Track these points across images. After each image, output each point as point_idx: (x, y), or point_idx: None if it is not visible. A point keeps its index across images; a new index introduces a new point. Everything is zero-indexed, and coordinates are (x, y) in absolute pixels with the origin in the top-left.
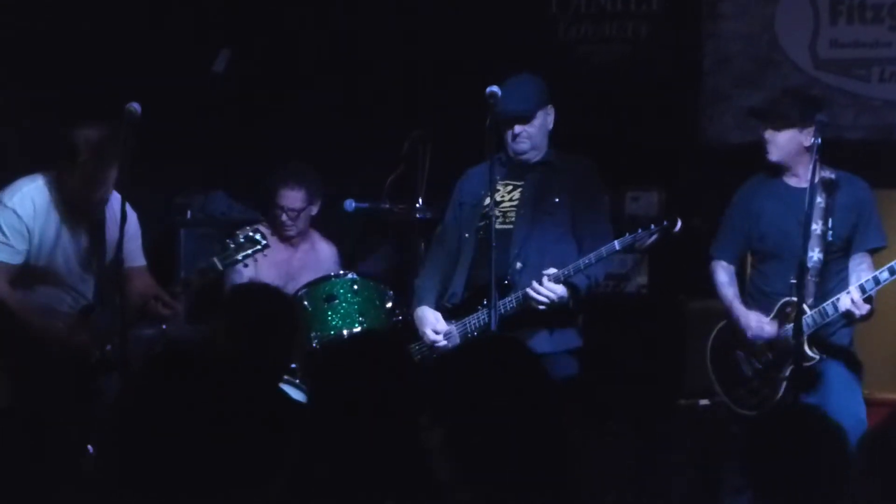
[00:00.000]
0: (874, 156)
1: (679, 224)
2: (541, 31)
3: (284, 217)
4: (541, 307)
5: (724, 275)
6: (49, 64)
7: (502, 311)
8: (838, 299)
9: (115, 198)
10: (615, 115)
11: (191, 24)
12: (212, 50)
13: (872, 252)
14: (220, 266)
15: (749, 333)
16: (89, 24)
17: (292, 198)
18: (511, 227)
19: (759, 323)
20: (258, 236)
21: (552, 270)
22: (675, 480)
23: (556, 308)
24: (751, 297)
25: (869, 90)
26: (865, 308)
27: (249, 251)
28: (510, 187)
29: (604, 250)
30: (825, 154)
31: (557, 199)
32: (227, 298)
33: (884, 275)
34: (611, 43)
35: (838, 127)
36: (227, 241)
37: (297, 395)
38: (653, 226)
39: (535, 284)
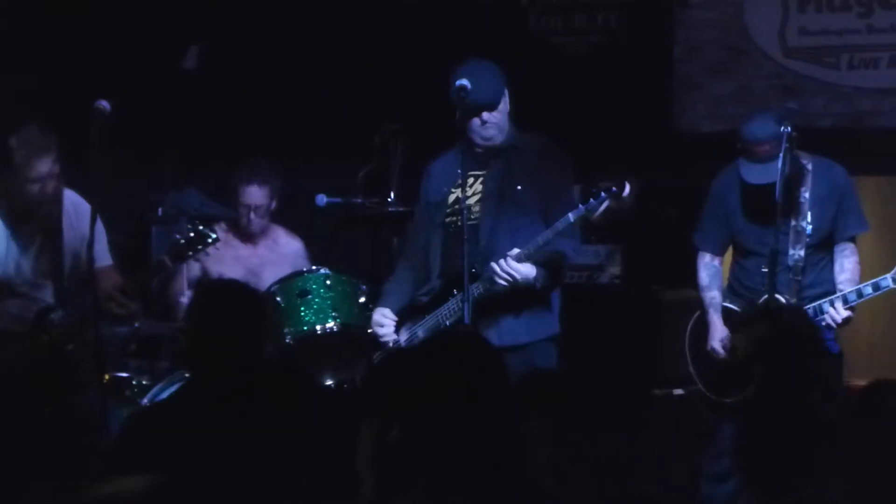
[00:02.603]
0: (845, 143)
1: (627, 188)
2: (511, 22)
3: (251, 215)
4: (504, 283)
5: (705, 275)
6: (19, 58)
7: (474, 295)
8: (821, 307)
9: (73, 200)
10: (587, 106)
11: (161, 20)
12: (182, 46)
13: (855, 238)
14: (169, 263)
15: (709, 346)
16: (61, 18)
17: (257, 195)
18: (476, 222)
19: (720, 343)
20: (207, 230)
21: (514, 251)
22: (652, 470)
23: (522, 287)
24: (731, 290)
25: (839, 77)
26: (843, 317)
27: (199, 246)
28: (471, 179)
29: (559, 224)
30: (799, 141)
31: (520, 187)
32: (197, 294)
33: (867, 289)
34: (581, 33)
35: (809, 115)
36: (176, 236)
37: None
38: (602, 193)
39: (497, 263)
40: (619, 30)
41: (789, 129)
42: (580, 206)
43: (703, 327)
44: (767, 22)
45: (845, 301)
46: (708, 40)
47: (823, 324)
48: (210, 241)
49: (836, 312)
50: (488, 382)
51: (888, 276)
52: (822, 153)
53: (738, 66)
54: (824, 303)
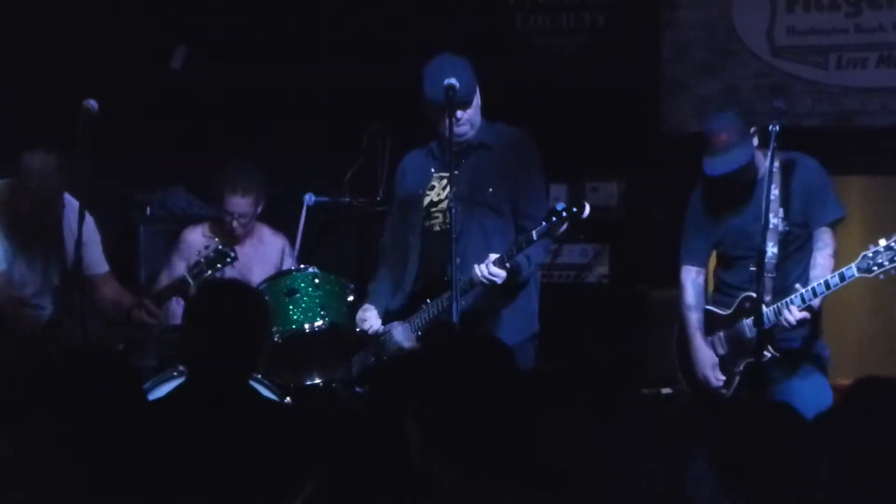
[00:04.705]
0: (832, 142)
1: (587, 210)
2: (498, 22)
3: (235, 223)
4: (486, 283)
5: (691, 294)
6: (8, 57)
7: (445, 305)
8: (779, 308)
9: (73, 206)
10: (574, 106)
11: (148, 20)
12: (169, 46)
13: (833, 225)
14: (190, 281)
15: (699, 374)
16: (48, 18)
17: (241, 205)
18: (448, 226)
19: (712, 371)
20: (227, 249)
21: (493, 256)
22: (638, 469)
23: (497, 288)
24: (715, 288)
25: (826, 77)
26: (797, 318)
27: (218, 265)
28: (444, 181)
29: (523, 241)
30: (783, 141)
31: (491, 189)
32: (197, 296)
33: (834, 280)
34: (568, 33)
35: (796, 114)
36: (197, 254)
37: (265, 391)
38: (564, 213)
39: (479, 267)
40: (607, 30)
41: (777, 128)
42: (543, 223)
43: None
44: (755, 22)
45: (803, 300)
46: (695, 40)
47: (780, 326)
48: (229, 259)
49: (790, 314)
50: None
51: (853, 265)
52: (809, 153)
53: (726, 66)
54: (782, 304)
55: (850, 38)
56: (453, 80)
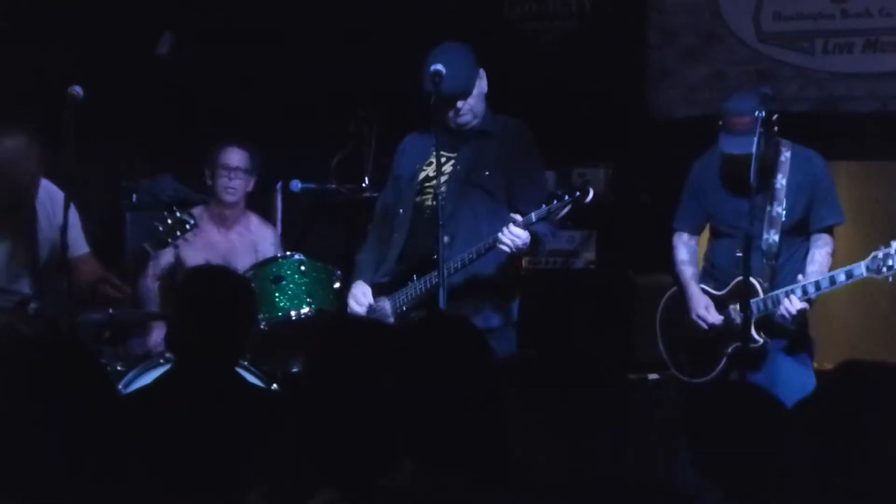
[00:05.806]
0: (819, 128)
1: (591, 194)
2: (485, 8)
3: (230, 177)
4: (506, 249)
5: (684, 252)
6: None
7: (432, 283)
8: (777, 298)
9: (49, 190)
10: (561, 92)
11: (135, 6)
12: (157, 32)
13: (832, 230)
14: (151, 250)
15: (693, 315)
16: (33, 4)
17: (237, 156)
18: (442, 203)
19: (706, 310)
20: (185, 216)
21: (518, 217)
22: (626, 455)
23: (521, 253)
24: (705, 272)
25: (813, 62)
26: (797, 308)
27: (178, 232)
28: (443, 159)
29: (521, 222)
30: (777, 126)
31: (488, 173)
32: (184, 282)
33: (840, 277)
34: (555, 19)
35: (783, 99)
36: (155, 223)
37: (251, 378)
38: (566, 196)
39: (502, 231)
40: (593, 15)
41: (764, 113)
42: (543, 206)
43: (674, 309)
44: (742, 7)
45: (804, 292)
46: (682, 25)
47: (778, 315)
48: (188, 226)
49: (791, 304)
50: (473, 363)
51: (862, 263)
52: (796, 138)
53: (713, 52)
54: (780, 293)
55: (837, 24)
56: (439, 67)
